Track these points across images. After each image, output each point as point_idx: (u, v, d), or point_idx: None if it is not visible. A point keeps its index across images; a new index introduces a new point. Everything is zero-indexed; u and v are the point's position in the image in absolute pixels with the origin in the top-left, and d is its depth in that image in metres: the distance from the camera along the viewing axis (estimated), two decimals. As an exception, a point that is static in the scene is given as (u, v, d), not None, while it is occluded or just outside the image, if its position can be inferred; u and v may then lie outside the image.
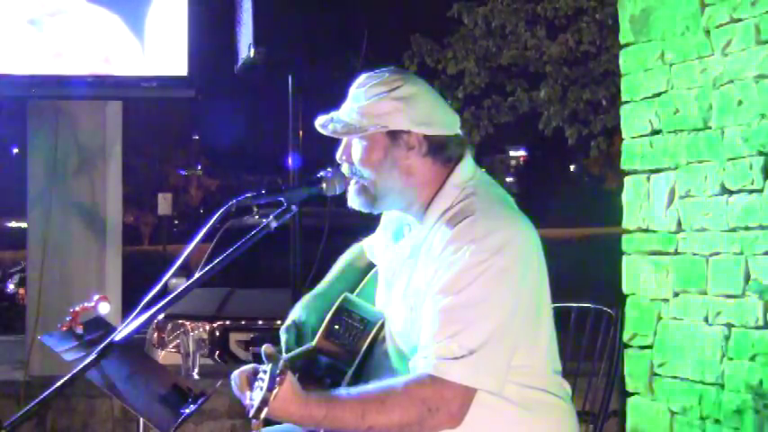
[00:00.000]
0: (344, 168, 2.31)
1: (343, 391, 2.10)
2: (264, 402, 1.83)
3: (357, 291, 2.54)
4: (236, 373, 2.06)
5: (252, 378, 1.95)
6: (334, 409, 2.03)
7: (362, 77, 2.29)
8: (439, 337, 2.08)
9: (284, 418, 2.02)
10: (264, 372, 1.85)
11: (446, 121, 2.27)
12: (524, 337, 2.17)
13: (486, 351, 2.06)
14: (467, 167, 2.27)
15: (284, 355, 2.25)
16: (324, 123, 2.28)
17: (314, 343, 2.37)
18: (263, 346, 1.90)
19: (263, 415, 1.83)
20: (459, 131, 2.30)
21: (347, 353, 2.30)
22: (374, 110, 2.22)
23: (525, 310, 2.16)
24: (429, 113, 2.24)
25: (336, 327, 2.36)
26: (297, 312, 2.53)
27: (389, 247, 2.41)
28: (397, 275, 2.31)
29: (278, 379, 1.84)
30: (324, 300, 2.53)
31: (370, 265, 2.58)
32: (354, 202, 2.30)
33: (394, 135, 2.23)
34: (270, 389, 1.83)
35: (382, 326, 2.33)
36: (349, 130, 2.24)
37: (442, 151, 2.26)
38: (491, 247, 2.11)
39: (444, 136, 2.26)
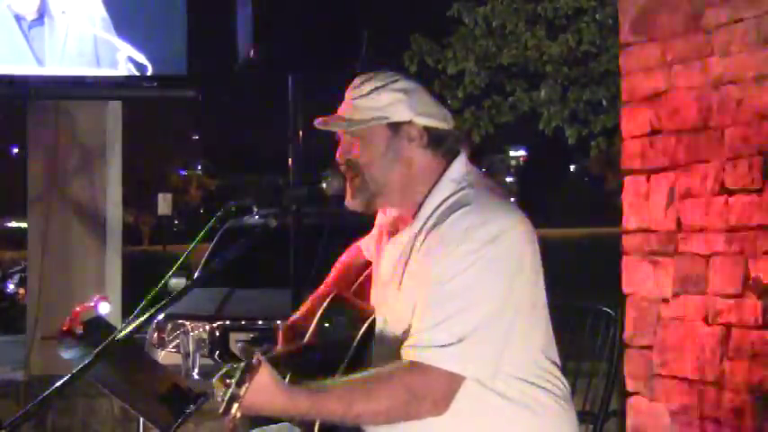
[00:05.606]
0: (344, 168, 2.31)
1: (329, 381, 2.08)
2: (233, 398, 1.80)
3: (352, 290, 2.55)
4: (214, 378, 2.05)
5: (225, 377, 1.92)
6: (319, 400, 2.02)
7: (356, 79, 2.31)
8: (428, 325, 2.08)
9: (268, 410, 2.00)
10: (236, 368, 1.83)
11: (444, 115, 2.30)
12: (519, 331, 2.15)
13: (475, 339, 2.05)
14: (463, 163, 2.29)
15: (265, 356, 2.24)
16: (323, 121, 2.29)
17: (305, 341, 2.38)
18: (238, 345, 1.90)
19: (233, 410, 1.80)
20: (453, 129, 2.32)
21: (338, 349, 2.31)
22: (374, 103, 2.24)
23: (519, 301, 2.15)
24: (428, 105, 2.27)
25: (327, 324, 2.37)
26: (295, 314, 2.55)
27: (385, 243, 2.41)
28: (392, 270, 2.31)
29: (247, 375, 1.81)
30: (321, 302, 2.53)
31: (367, 265, 2.59)
32: (352, 202, 2.30)
33: (395, 127, 2.24)
34: (239, 384, 1.80)
35: (373, 321, 2.34)
36: (350, 125, 2.25)
37: (440, 144, 2.27)
38: (484, 237, 2.10)
39: (443, 129, 2.28)
